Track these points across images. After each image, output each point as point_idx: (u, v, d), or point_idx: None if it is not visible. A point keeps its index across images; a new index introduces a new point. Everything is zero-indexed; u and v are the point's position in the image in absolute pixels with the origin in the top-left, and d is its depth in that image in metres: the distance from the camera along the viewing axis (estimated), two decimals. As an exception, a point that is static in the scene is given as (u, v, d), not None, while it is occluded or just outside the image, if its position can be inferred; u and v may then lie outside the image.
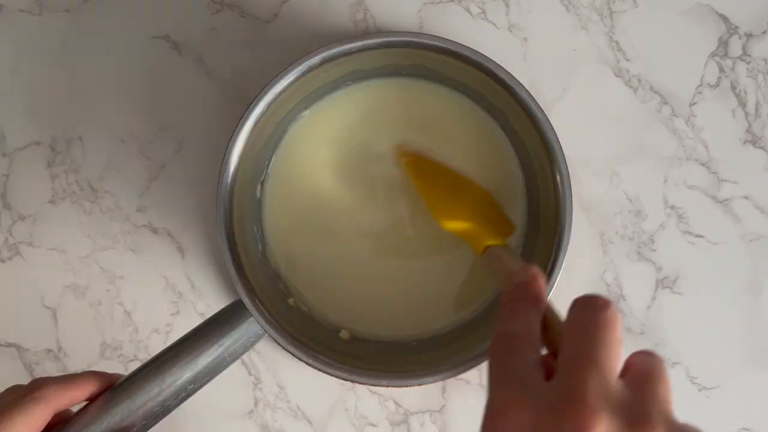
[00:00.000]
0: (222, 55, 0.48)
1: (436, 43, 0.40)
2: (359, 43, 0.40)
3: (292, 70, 0.40)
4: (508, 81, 0.40)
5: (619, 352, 0.24)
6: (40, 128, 0.48)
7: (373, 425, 0.48)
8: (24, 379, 0.48)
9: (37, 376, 0.48)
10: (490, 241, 0.39)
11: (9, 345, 0.48)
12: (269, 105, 0.40)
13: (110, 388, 0.37)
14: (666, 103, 0.47)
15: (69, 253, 0.48)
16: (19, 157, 0.48)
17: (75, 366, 0.48)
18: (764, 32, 0.47)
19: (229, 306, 0.40)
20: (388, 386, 0.41)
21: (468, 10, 0.47)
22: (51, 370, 0.48)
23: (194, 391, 0.38)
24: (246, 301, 0.39)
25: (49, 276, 0.48)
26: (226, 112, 0.48)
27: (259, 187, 0.45)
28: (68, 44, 0.48)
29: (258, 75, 0.48)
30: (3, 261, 0.48)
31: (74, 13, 0.48)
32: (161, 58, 0.48)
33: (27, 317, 0.48)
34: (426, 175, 0.44)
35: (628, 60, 0.47)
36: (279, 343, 0.40)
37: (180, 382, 0.37)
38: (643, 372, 0.25)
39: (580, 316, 0.25)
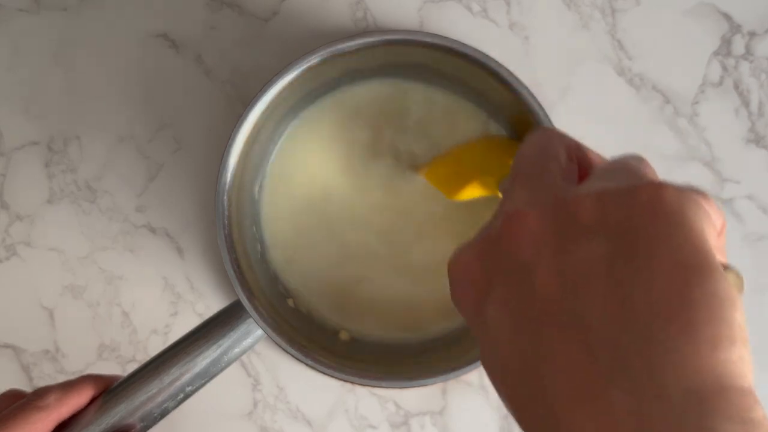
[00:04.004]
0: (221, 54, 0.47)
1: (437, 42, 0.40)
2: (359, 42, 0.40)
3: (291, 68, 0.39)
4: (509, 80, 0.39)
5: (551, 161, 0.23)
6: (38, 127, 0.48)
7: (374, 427, 0.47)
8: (22, 380, 0.47)
9: (35, 377, 0.48)
10: (500, 175, 0.39)
11: (6, 346, 0.48)
12: (268, 104, 0.40)
13: (108, 390, 0.37)
14: (668, 102, 0.47)
15: (67, 254, 0.48)
16: (16, 157, 0.48)
17: (73, 367, 0.48)
18: (767, 31, 0.47)
19: (228, 307, 0.40)
20: (387, 387, 0.41)
21: (469, 9, 0.47)
22: (49, 371, 0.47)
23: (193, 392, 0.38)
24: (245, 301, 0.39)
25: (47, 276, 0.48)
26: (225, 111, 0.47)
27: (258, 187, 0.45)
28: (66, 43, 0.48)
29: (257, 74, 0.47)
30: (0, 261, 0.48)
31: (72, 12, 0.48)
32: (159, 57, 0.48)
33: (25, 318, 0.48)
34: (437, 171, 0.44)
35: (630, 59, 0.47)
36: (278, 344, 0.40)
37: (179, 383, 0.37)
38: (602, 165, 0.23)
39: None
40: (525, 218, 0.20)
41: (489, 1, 0.47)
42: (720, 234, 0.20)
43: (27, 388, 0.47)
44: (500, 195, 0.38)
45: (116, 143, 0.48)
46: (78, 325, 0.48)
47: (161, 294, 0.48)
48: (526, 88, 0.39)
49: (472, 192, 0.41)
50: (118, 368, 0.47)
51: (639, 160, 0.23)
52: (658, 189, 0.19)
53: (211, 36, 0.47)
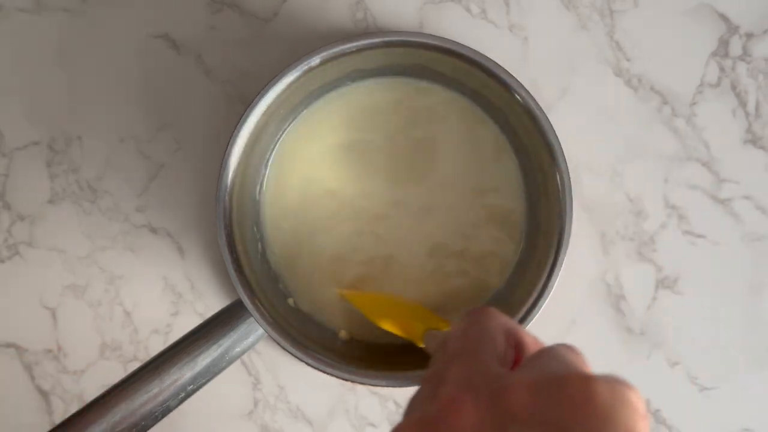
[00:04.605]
0: (221, 54, 0.48)
1: (436, 43, 0.40)
2: (359, 43, 0.40)
3: (291, 69, 0.40)
4: (508, 81, 0.39)
5: (488, 343, 0.24)
6: (39, 128, 0.48)
7: (374, 426, 0.48)
8: (23, 379, 0.48)
9: (36, 376, 0.48)
10: (426, 327, 0.40)
11: (8, 345, 0.48)
12: (269, 104, 0.40)
13: (109, 389, 0.37)
14: (666, 102, 0.47)
15: (68, 253, 0.48)
16: (18, 157, 0.48)
17: (74, 366, 0.48)
18: (765, 32, 0.47)
19: (228, 306, 0.40)
20: (388, 386, 0.41)
21: (468, 10, 0.47)
22: (50, 370, 0.48)
23: (194, 391, 0.38)
24: (246, 301, 0.39)
25: (49, 276, 0.48)
26: (225, 111, 0.48)
27: (259, 186, 0.45)
28: (67, 43, 0.48)
29: (258, 74, 0.48)
30: (2, 261, 0.48)
31: (73, 12, 0.48)
32: (160, 57, 0.48)
33: (26, 317, 0.48)
34: (364, 301, 0.44)
35: (628, 60, 0.47)
36: (279, 344, 0.40)
37: (179, 382, 0.37)
38: (534, 353, 0.24)
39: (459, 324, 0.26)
40: (462, 407, 0.21)
41: (488, 2, 0.47)
42: (644, 418, 0.21)
43: (29, 386, 0.47)
44: (419, 344, 0.39)
45: (117, 143, 0.48)
46: (79, 324, 0.48)
47: (162, 293, 0.48)
48: (525, 89, 0.39)
49: (392, 327, 0.41)
50: (119, 367, 0.48)
51: (570, 349, 0.24)
52: (588, 384, 0.20)
53: (212, 36, 0.48)
